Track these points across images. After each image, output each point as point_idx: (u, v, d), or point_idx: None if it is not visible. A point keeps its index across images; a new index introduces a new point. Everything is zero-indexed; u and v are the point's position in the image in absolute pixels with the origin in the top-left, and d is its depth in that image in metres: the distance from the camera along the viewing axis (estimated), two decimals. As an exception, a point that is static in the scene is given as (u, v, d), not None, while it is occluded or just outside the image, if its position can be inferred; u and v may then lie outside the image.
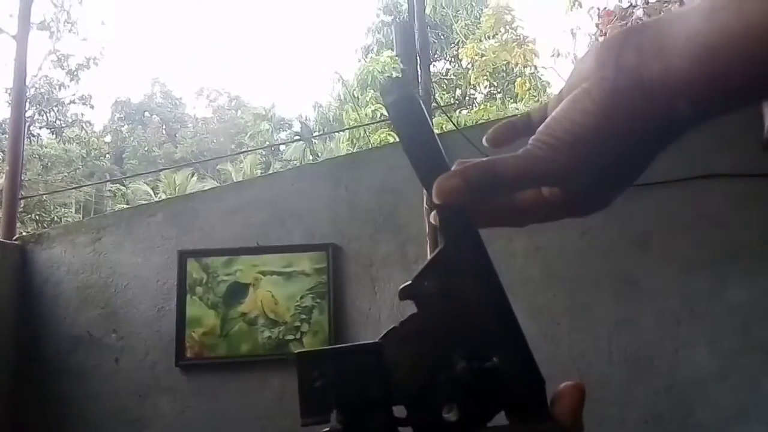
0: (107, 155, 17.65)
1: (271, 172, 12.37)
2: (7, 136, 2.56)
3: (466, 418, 0.32)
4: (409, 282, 0.35)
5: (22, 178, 2.50)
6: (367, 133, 9.02)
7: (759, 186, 2.25)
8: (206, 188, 3.42)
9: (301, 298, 2.36)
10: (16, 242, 2.41)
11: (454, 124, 3.41)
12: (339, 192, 2.44)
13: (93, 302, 2.36)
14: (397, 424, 0.33)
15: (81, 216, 13.32)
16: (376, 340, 0.35)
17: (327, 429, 0.33)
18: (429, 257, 0.35)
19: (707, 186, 2.28)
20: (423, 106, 0.39)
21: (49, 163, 12.46)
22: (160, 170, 15.01)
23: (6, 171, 2.51)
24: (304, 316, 2.35)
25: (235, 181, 11.76)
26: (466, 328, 0.34)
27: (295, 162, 13.85)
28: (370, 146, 7.56)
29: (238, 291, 2.36)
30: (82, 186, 11.97)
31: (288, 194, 2.46)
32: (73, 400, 2.29)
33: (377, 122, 7.87)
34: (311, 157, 13.25)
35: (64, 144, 13.31)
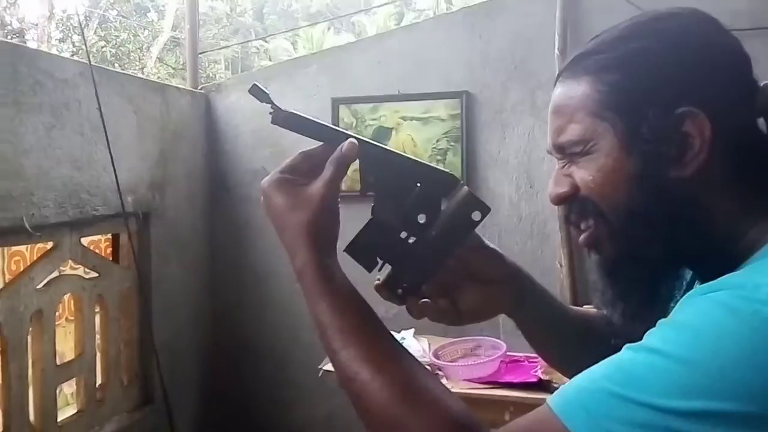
0: (249, 11, 18.23)
1: (404, 22, 12.24)
2: (184, -2, 2.92)
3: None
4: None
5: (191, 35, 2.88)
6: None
7: None
8: (351, 41, 3.66)
9: (437, 141, 2.63)
10: (201, 91, 2.88)
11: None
12: (473, 41, 2.59)
13: (265, 143, 2.81)
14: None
15: (230, 72, 14.30)
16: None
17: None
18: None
19: None
20: (295, 113, 0.65)
21: (201, 21, 13.22)
22: (299, 28, 15.33)
23: (187, 29, 2.93)
24: (439, 158, 2.64)
25: (369, 33, 11.86)
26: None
27: (428, 12, 13.53)
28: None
29: (382, 134, 2.68)
30: (244, 42, 12.65)
31: (425, 44, 2.65)
32: (254, 222, 2.83)
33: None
34: (445, 6, 12.84)
35: (212, 1, 13.96)
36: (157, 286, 2.49)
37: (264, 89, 0.64)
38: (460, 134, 2.58)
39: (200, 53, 2.96)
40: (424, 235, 0.66)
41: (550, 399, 0.52)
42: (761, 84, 0.60)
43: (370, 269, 0.67)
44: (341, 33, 16.60)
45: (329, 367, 2.16)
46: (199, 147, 2.83)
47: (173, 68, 11.19)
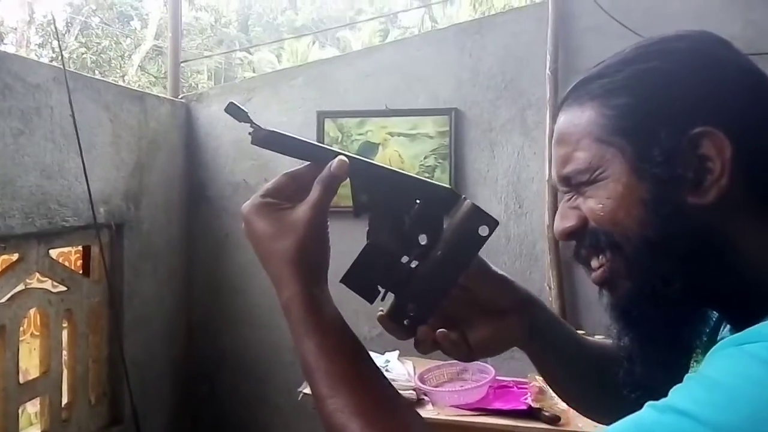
0: (234, 23, 18.19)
1: (389, 39, 12.28)
2: (167, 6, 2.85)
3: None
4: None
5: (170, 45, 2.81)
6: (491, -3, 8.65)
7: None
8: (338, 54, 3.61)
9: (425, 158, 2.58)
10: (182, 100, 2.79)
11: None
12: (463, 58, 2.55)
13: (247, 154, 2.74)
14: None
15: (213, 82, 14.19)
16: None
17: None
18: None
19: None
20: (276, 131, 0.59)
21: (184, 31, 13.15)
22: (283, 39, 15.32)
23: (169, 37, 2.85)
24: (427, 175, 2.58)
25: (354, 48, 11.87)
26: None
27: (413, 29, 13.60)
28: (493, 11, 7.30)
29: (369, 149, 2.63)
30: (228, 52, 12.57)
31: (414, 60, 2.61)
32: (234, 235, 2.75)
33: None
34: (431, 24, 12.92)
35: (196, 12, 13.89)
36: (129, 300, 2.39)
37: (241, 107, 0.58)
38: (448, 152, 2.53)
39: (182, 62, 2.88)
40: (427, 258, 0.59)
41: None
42: None
43: (371, 300, 0.60)
44: (326, 47, 16.61)
45: (309, 390, 2.08)
46: (177, 157, 2.74)
47: (154, 77, 11.06)
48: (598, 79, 0.57)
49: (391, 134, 2.62)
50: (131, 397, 2.25)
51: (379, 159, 2.60)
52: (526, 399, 1.94)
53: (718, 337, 0.58)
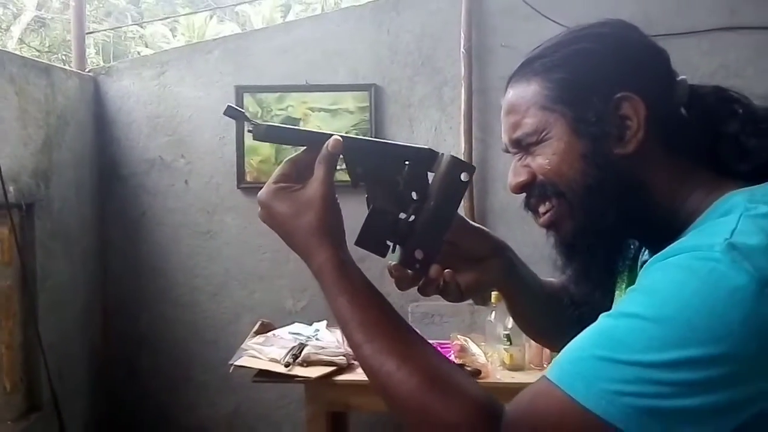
0: (124, -7, 17.09)
1: (291, 15, 12.07)
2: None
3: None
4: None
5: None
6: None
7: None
8: (256, 29, 3.56)
9: (346, 132, 2.63)
10: (89, 73, 2.67)
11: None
12: (381, 35, 2.62)
13: (162, 130, 2.66)
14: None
15: (102, 58, 13.32)
16: None
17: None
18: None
19: (729, 38, 2.43)
20: (274, 125, 0.68)
21: (67, 2, 12.21)
22: (182, 15, 14.63)
23: (72, 7, 2.69)
24: (347, 149, 2.64)
25: (254, 23, 11.59)
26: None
27: (315, 5, 13.43)
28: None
29: (289, 124, 2.64)
30: (134, 24, 11.81)
31: (333, 35, 2.64)
32: (152, 213, 2.68)
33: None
34: (333, 1, 12.82)
35: (81, -20, 12.94)
36: (42, 283, 2.28)
37: (238, 109, 0.67)
38: (369, 126, 2.60)
39: (87, 33, 2.74)
40: (422, 209, 0.69)
41: (548, 372, 0.57)
42: (678, 78, 0.71)
43: (383, 254, 0.70)
44: (225, 22, 16.04)
45: (241, 362, 2.11)
46: (88, 133, 2.62)
47: (38, 50, 10.23)
48: (539, 59, 0.69)
49: (312, 109, 2.64)
50: (50, 384, 2.17)
51: (301, 134, 2.63)
52: (449, 357, 2.08)
53: (640, 261, 0.72)
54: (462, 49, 2.49)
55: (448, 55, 2.54)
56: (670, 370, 0.51)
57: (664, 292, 0.54)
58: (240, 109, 0.67)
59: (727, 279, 0.52)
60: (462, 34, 2.49)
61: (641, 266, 0.61)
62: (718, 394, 0.51)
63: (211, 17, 16.04)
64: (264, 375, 2.05)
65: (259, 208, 0.69)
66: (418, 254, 0.69)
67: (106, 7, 15.89)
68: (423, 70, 2.59)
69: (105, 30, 9.63)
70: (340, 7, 9.45)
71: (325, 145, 0.67)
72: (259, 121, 0.67)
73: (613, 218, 0.65)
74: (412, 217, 0.69)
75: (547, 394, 0.55)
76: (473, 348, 2.11)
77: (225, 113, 0.66)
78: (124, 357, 2.73)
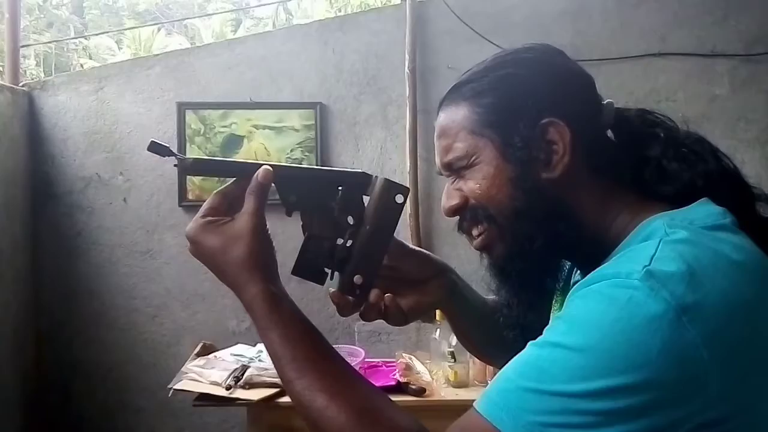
0: (67, 3, 16.63)
1: (241, 30, 11.99)
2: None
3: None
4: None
5: None
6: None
7: (707, 62, 2.54)
8: (198, 45, 3.51)
9: (291, 150, 2.62)
10: (23, 88, 2.57)
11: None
12: (327, 53, 2.62)
13: (100, 147, 2.58)
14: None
15: (43, 69, 12.87)
16: None
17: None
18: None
19: (660, 63, 2.54)
20: (201, 158, 0.70)
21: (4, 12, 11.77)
22: (126, 28, 14.32)
23: (6, 18, 2.59)
24: (292, 167, 2.62)
25: (204, 37, 11.47)
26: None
27: (267, 21, 13.38)
28: (350, 8, 7.44)
29: (233, 142, 2.61)
30: (63, 40, 11.43)
31: (278, 53, 2.63)
32: (87, 233, 2.58)
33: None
34: (285, 16, 12.81)
35: (21, -11, 12.50)
36: (-32, 308, 2.16)
37: (162, 144, 0.66)
38: (314, 144, 2.59)
39: (22, 46, 2.64)
40: (359, 234, 0.69)
41: (476, 404, 0.57)
42: (605, 102, 0.72)
43: (322, 282, 0.70)
44: (173, 35, 15.77)
45: (180, 385, 2.04)
46: (20, 150, 2.51)
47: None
48: (468, 84, 0.70)
49: (257, 127, 2.62)
50: (-25, 413, 2.05)
51: (245, 152, 2.60)
52: (394, 375, 2.08)
53: (572, 281, 0.74)
54: (407, 70, 2.52)
55: (393, 74, 2.57)
56: (593, 399, 0.52)
57: (585, 321, 0.55)
58: (164, 144, 0.66)
59: (644, 307, 0.52)
60: (407, 55, 2.52)
61: (573, 286, 0.62)
62: (641, 422, 0.52)
63: (159, 30, 15.80)
64: (205, 399, 1.99)
65: (189, 244, 0.68)
66: (357, 279, 0.69)
67: (47, 18, 15.43)
68: (368, 89, 2.61)
69: (44, 43, 9.32)
70: (291, 23, 9.46)
71: (255, 176, 0.66)
72: (183, 156, 0.67)
73: (541, 241, 0.66)
74: (350, 242, 0.69)
75: (475, 427, 0.55)
76: (418, 366, 2.11)
77: (149, 149, 0.65)
78: (58, 383, 2.61)
